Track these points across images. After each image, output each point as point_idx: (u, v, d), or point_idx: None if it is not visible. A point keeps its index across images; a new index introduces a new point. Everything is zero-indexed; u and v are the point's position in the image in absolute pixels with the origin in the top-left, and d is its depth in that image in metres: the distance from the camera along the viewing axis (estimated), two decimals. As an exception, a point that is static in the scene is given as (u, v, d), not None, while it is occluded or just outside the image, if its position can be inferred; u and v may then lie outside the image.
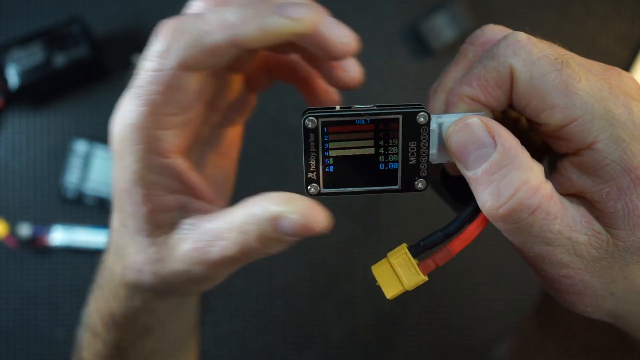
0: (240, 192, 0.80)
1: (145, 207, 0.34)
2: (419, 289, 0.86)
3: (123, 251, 0.37)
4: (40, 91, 0.76)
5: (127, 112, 0.33)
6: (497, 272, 0.80)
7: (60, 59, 0.74)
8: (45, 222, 0.77)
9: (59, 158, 0.78)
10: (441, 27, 0.79)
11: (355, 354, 0.80)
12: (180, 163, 0.35)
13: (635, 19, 0.80)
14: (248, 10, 0.31)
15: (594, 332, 0.43)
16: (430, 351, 0.80)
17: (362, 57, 0.80)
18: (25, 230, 0.76)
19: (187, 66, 0.32)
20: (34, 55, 0.74)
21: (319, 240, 0.79)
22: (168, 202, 0.35)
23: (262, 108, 0.82)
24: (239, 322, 0.80)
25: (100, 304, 0.41)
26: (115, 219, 0.37)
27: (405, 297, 0.82)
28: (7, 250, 0.77)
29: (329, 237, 0.79)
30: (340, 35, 0.33)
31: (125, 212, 0.35)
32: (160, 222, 0.35)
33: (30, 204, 0.78)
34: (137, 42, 0.79)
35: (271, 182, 0.79)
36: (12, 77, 0.73)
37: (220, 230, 0.33)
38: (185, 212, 0.35)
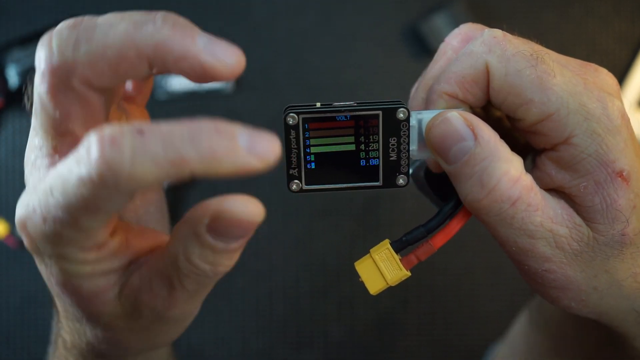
0: (240, 191, 0.80)
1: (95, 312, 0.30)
2: (419, 289, 0.86)
3: (82, 335, 0.34)
4: (40, 91, 0.76)
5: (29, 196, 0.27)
6: (497, 272, 0.80)
7: (60, 59, 0.74)
8: (45, 222, 0.77)
9: (59, 158, 0.78)
10: (441, 27, 0.79)
11: (355, 354, 0.80)
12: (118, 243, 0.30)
13: (635, 19, 0.80)
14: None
15: (584, 331, 0.43)
16: (430, 351, 0.80)
17: (362, 57, 0.80)
18: (25, 230, 0.76)
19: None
20: (34, 55, 0.74)
21: (319, 240, 0.79)
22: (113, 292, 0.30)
23: (262, 108, 0.82)
24: (239, 322, 0.80)
25: None
26: (62, 308, 0.33)
27: (406, 297, 0.82)
28: (7, 250, 0.77)
29: (329, 237, 0.79)
30: (224, 58, 0.26)
31: (72, 315, 0.32)
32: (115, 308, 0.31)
33: (31, 204, 0.78)
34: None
35: (271, 182, 0.79)
36: (12, 77, 0.73)
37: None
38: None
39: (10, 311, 0.78)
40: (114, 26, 0.26)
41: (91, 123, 0.28)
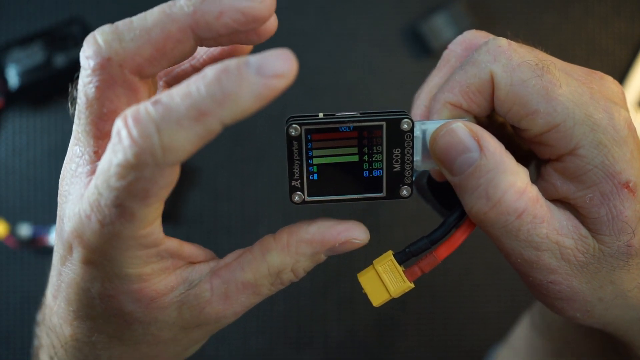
0: (240, 191, 0.80)
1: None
2: (419, 290, 0.86)
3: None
4: (40, 91, 0.76)
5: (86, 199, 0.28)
6: (497, 273, 0.80)
7: (60, 59, 0.74)
8: (45, 222, 0.77)
9: (59, 158, 0.78)
10: (441, 27, 0.78)
11: (355, 354, 0.80)
12: (167, 241, 0.31)
13: (635, 19, 0.80)
14: None
15: (586, 337, 0.43)
16: (430, 351, 0.80)
17: (362, 57, 0.80)
18: (25, 230, 0.76)
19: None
20: (34, 55, 0.73)
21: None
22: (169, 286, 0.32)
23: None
24: (239, 322, 0.80)
25: None
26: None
27: (406, 297, 0.82)
28: (7, 250, 0.77)
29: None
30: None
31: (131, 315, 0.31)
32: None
33: (30, 204, 0.78)
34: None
35: (271, 182, 0.79)
36: (12, 77, 0.73)
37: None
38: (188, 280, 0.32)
39: (10, 311, 0.78)
40: (149, 12, 0.28)
41: None
